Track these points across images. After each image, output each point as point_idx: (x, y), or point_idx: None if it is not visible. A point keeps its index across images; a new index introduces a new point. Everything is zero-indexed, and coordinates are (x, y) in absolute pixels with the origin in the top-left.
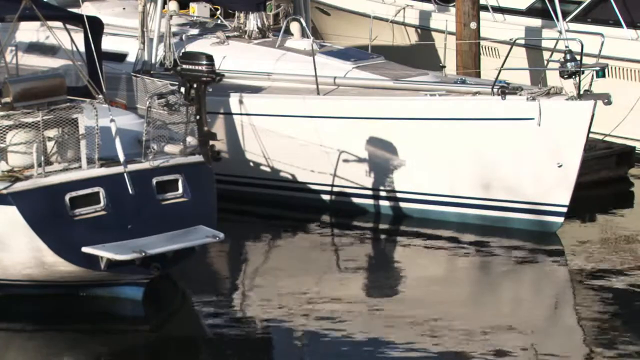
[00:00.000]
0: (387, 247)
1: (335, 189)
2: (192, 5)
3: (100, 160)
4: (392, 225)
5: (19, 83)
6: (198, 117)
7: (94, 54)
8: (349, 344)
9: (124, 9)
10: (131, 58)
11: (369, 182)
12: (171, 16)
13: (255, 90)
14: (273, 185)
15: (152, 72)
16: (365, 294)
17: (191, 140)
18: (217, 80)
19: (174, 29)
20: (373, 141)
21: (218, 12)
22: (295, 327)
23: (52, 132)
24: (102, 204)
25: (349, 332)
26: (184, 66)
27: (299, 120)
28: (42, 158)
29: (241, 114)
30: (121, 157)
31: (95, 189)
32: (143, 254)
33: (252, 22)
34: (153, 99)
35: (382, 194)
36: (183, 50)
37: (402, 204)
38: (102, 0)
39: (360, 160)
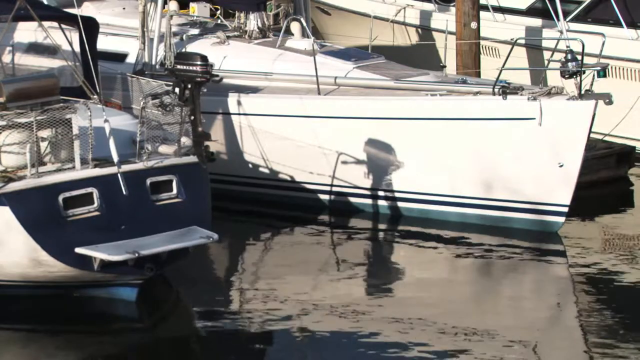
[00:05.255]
0: (387, 247)
1: (335, 189)
2: (192, 5)
3: (94, 161)
4: (393, 226)
5: (12, 83)
6: (192, 117)
7: (89, 54)
8: (347, 343)
9: (124, 9)
10: (131, 58)
11: (369, 182)
12: (171, 16)
13: (255, 90)
14: (273, 185)
15: (147, 72)
16: (364, 293)
17: (185, 141)
18: (217, 81)
19: (174, 29)
20: (373, 141)
21: (218, 12)
22: (293, 327)
23: (45, 133)
24: (95, 204)
25: (347, 332)
26: (178, 66)
27: (297, 120)
28: (36, 158)
29: (239, 114)
30: (115, 158)
31: (89, 190)
32: (137, 254)
33: (253, 22)
34: (147, 99)
35: (383, 194)
36: (183, 50)
37: (403, 204)
38: (102, 0)
39: (360, 160)
